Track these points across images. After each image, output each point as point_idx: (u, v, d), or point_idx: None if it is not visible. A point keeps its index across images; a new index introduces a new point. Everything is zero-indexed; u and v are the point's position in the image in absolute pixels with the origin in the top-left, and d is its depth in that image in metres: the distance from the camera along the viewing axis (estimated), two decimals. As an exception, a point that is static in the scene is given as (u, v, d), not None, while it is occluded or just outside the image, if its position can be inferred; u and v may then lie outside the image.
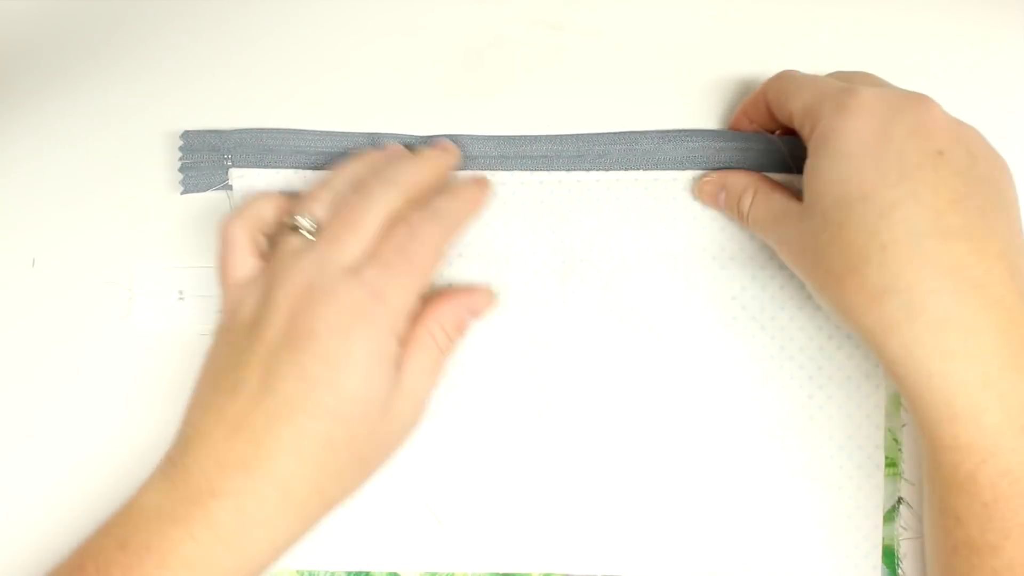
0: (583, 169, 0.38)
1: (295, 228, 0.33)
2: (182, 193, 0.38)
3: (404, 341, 0.33)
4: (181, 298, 0.39)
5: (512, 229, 0.38)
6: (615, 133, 0.38)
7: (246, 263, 0.34)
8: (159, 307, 0.39)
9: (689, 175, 0.38)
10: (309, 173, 0.38)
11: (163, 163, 0.39)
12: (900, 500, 0.37)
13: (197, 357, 0.38)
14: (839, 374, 0.37)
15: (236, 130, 0.38)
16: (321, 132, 0.39)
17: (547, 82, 0.39)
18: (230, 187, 0.38)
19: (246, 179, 0.38)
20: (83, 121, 0.40)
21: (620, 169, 0.38)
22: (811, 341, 0.37)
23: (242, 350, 0.31)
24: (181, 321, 0.39)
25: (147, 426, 0.38)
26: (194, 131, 0.39)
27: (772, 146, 0.37)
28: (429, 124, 0.39)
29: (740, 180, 0.36)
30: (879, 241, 0.28)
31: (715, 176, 0.37)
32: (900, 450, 0.37)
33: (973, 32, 0.39)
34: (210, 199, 0.39)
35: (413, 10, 0.40)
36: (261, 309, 0.32)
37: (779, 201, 0.34)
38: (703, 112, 0.39)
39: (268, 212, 0.34)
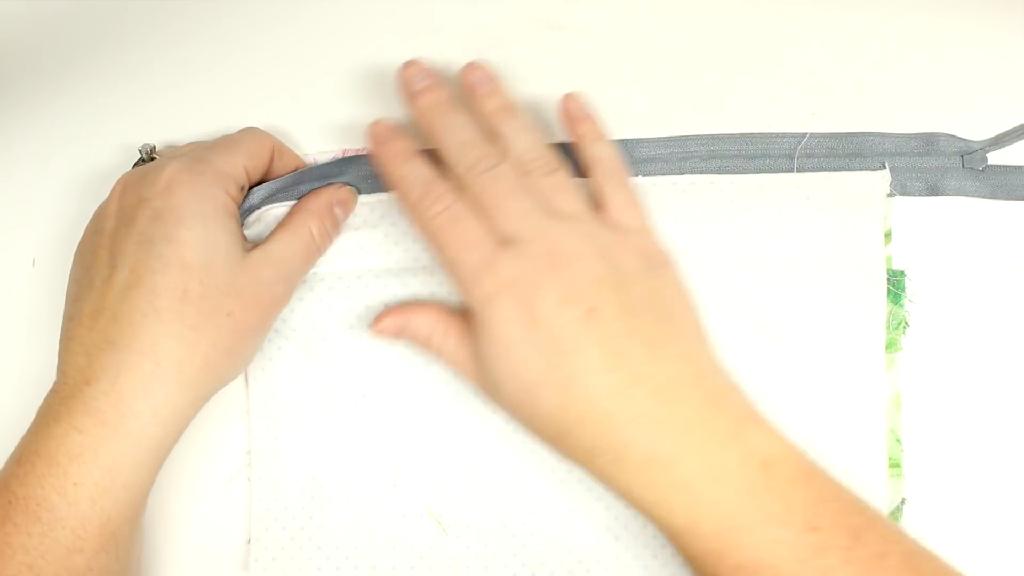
0: (582, 176, 0.38)
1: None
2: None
3: (280, 226, 0.35)
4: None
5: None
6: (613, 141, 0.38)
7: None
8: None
9: (687, 179, 0.38)
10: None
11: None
12: (904, 501, 0.37)
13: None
14: (841, 376, 0.37)
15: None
16: (328, 163, 0.38)
17: (547, 82, 0.39)
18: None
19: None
20: (84, 122, 0.40)
21: (618, 176, 0.38)
22: (813, 343, 0.37)
23: (87, 250, 0.33)
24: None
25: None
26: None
27: (769, 148, 0.37)
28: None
29: (422, 322, 0.35)
30: (571, 416, 0.30)
31: (393, 317, 0.35)
32: (902, 450, 0.37)
33: (973, 32, 0.39)
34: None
35: (413, 10, 0.39)
36: (101, 214, 0.34)
37: (473, 341, 0.33)
38: (703, 112, 0.39)
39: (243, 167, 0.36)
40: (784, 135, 0.38)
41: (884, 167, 0.37)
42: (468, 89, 0.35)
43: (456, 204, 0.33)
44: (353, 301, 0.38)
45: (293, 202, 0.37)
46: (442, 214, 0.32)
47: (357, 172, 0.38)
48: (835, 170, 0.37)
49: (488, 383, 0.33)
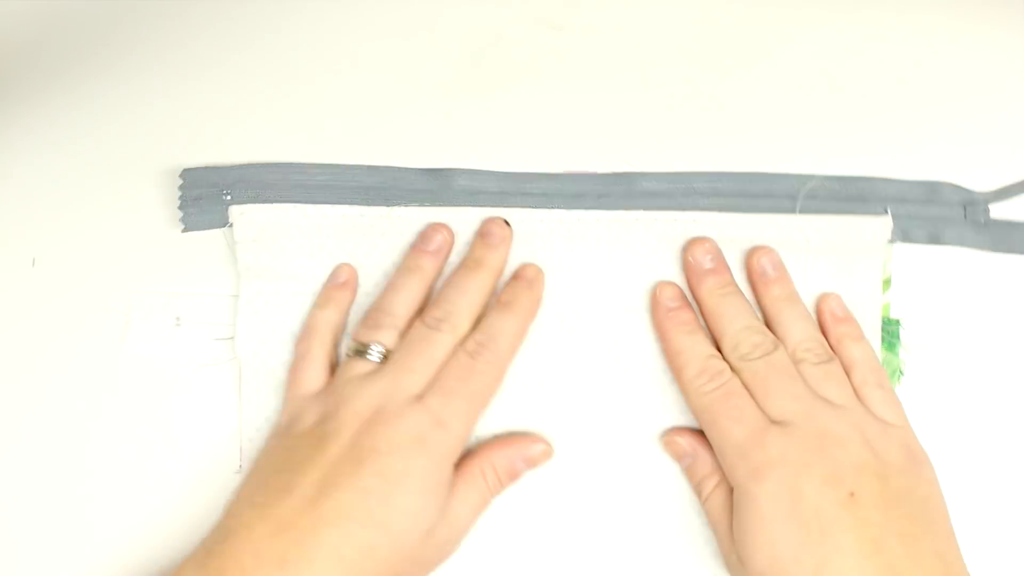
0: (584, 208, 0.38)
1: (362, 353, 0.35)
2: (183, 231, 0.38)
3: (457, 469, 0.34)
4: (178, 324, 0.39)
5: (511, 268, 0.38)
6: (616, 174, 0.38)
7: (318, 378, 0.36)
8: (155, 333, 0.39)
9: (690, 216, 0.38)
10: (310, 207, 0.38)
11: (162, 198, 0.39)
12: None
13: (192, 383, 0.38)
14: None
15: (235, 166, 0.39)
16: (321, 165, 0.39)
17: (548, 82, 0.39)
18: (230, 225, 0.38)
19: (246, 215, 0.38)
20: (83, 122, 0.40)
21: (621, 209, 0.38)
22: None
23: (302, 458, 0.33)
24: (177, 347, 0.39)
25: (138, 449, 0.39)
26: (193, 168, 0.39)
27: (772, 188, 0.37)
28: (430, 125, 0.39)
29: (708, 461, 0.35)
30: None
31: (688, 441, 0.36)
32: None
33: (973, 32, 0.38)
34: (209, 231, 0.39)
35: (414, 11, 0.39)
36: (326, 424, 0.34)
37: (732, 512, 0.34)
38: (703, 112, 0.39)
39: (339, 322, 0.37)
40: (788, 176, 0.38)
41: (886, 212, 0.37)
42: (756, 273, 0.37)
43: (732, 381, 0.34)
44: (350, 328, 0.38)
45: (288, 205, 0.38)
46: (717, 390, 0.34)
47: (350, 179, 0.38)
48: (838, 213, 0.37)
49: (736, 556, 0.33)
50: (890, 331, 0.37)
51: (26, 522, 0.38)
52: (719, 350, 0.35)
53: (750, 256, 0.37)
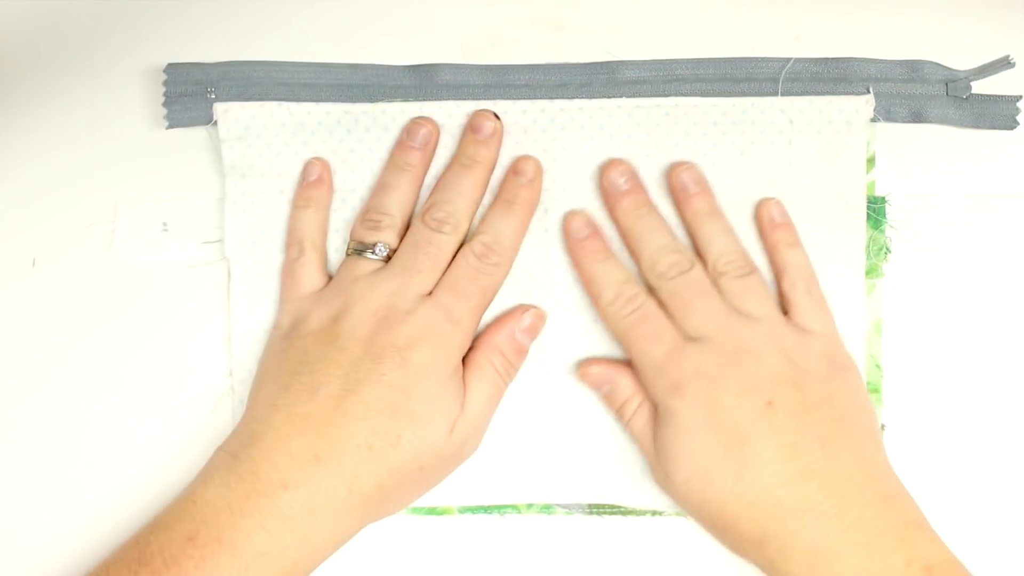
0: (566, 97, 0.38)
1: (362, 251, 0.36)
2: (167, 128, 0.38)
3: (465, 364, 0.35)
4: (165, 230, 0.39)
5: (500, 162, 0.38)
6: (598, 63, 0.38)
7: (316, 279, 0.37)
8: (143, 240, 0.39)
9: (671, 101, 0.38)
10: (294, 105, 0.38)
11: (146, 98, 0.39)
12: (883, 426, 0.37)
13: (180, 288, 0.38)
14: None
15: (220, 63, 0.39)
16: (305, 64, 0.39)
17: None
18: (215, 122, 0.38)
19: (231, 113, 0.38)
20: (83, 122, 0.40)
21: (603, 97, 0.38)
22: None
23: (318, 357, 0.34)
24: (165, 253, 0.39)
25: (129, 356, 0.39)
26: (177, 64, 0.39)
27: (754, 72, 0.38)
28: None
29: (627, 386, 0.36)
30: (743, 502, 0.32)
31: (604, 368, 0.36)
32: (882, 376, 0.37)
33: (973, 32, 0.39)
34: (193, 132, 0.39)
35: (413, 10, 0.40)
36: (340, 323, 0.34)
37: (655, 428, 0.35)
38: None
39: (323, 220, 0.38)
40: (769, 59, 0.38)
41: (868, 92, 0.37)
42: (677, 188, 0.37)
43: (647, 304, 0.35)
44: (339, 224, 0.38)
45: (272, 103, 0.38)
46: (633, 313, 0.35)
47: (334, 78, 0.39)
48: (820, 94, 0.37)
49: (662, 470, 0.34)
50: (876, 208, 0.37)
51: (22, 429, 0.38)
52: (639, 270, 0.36)
53: (671, 172, 0.37)
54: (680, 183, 0.37)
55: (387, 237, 0.36)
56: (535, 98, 0.38)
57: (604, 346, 0.37)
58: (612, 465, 0.37)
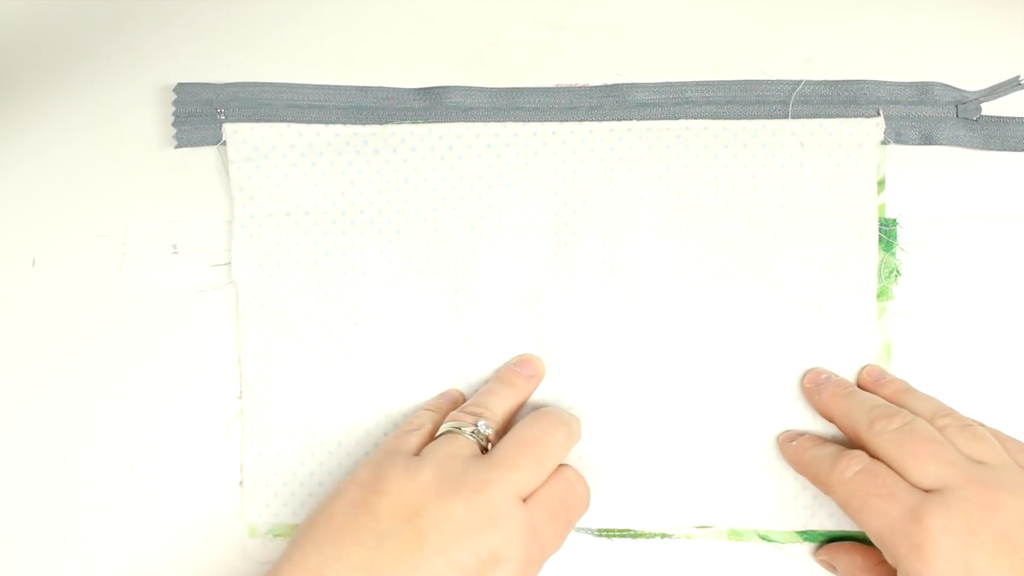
0: (576, 120, 0.38)
1: (459, 430, 0.34)
2: (176, 147, 0.38)
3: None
4: (175, 252, 0.39)
5: (506, 181, 0.38)
6: (607, 86, 0.38)
7: (416, 443, 0.34)
8: (152, 261, 0.39)
9: (682, 124, 0.38)
10: (303, 127, 0.38)
11: (156, 118, 0.39)
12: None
13: (189, 311, 0.38)
14: (831, 324, 0.37)
15: (230, 84, 0.39)
16: (314, 86, 0.39)
17: (547, 82, 0.39)
18: (224, 143, 0.38)
19: (240, 134, 0.38)
20: (83, 121, 0.40)
21: (613, 120, 0.38)
22: (804, 291, 0.37)
23: (390, 528, 0.31)
24: (174, 275, 0.39)
25: (137, 377, 0.39)
26: (187, 84, 0.39)
27: (764, 95, 0.38)
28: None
29: (856, 564, 0.35)
30: None
31: (828, 549, 0.36)
32: (893, 398, 0.37)
33: (973, 32, 0.39)
34: (201, 152, 0.39)
35: (413, 10, 0.40)
36: (426, 495, 0.31)
37: None
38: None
39: (446, 412, 0.36)
40: (780, 82, 0.38)
41: (879, 114, 0.37)
42: (869, 384, 0.36)
43: (872, 463, 0.32)
44: (347, 246, 0.38)
45: (281, 124, 0.38)
46: (859, 473, 0.32)
47: (343, 100, 0.38)
48: (830, 117, 0.37)
49: None
50: (887, 231, 0.37)
51: (27, 447, 0.38)
52: (855, 446, 0.34)
53: (859, 377, 0.37)
54: (871, 377, 0.37)
55: (483, 426, 0.34)
56: (546, 120, 0.38)
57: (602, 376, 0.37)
58: (622, 490, 0.37)
